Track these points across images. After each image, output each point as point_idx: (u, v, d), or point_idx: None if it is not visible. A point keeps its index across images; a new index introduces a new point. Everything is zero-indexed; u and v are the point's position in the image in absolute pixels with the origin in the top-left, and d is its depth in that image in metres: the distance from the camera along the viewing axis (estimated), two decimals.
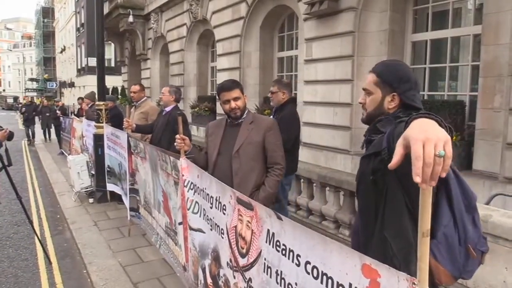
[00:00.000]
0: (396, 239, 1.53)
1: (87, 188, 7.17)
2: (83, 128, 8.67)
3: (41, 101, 19.33)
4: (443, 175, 0.99)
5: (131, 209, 5.06)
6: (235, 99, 3.03)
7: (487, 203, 4.05)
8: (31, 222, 4.88)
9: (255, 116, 3.20)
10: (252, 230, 1.90)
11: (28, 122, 16.58)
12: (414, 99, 1.76)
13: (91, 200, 6.96)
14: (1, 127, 4.63)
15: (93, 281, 4.13)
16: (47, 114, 16.00)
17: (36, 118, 17.17)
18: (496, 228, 2.97)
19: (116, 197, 6.40)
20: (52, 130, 16.07)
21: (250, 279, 1.92)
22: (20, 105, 18.02)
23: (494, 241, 2.96)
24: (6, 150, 4.60)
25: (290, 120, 4.37)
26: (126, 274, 4.23)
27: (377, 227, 1.62)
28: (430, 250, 1.52)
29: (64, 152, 11.99)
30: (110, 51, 29.57)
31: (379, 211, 1.62)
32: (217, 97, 3.18)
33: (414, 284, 0.99)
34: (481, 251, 1.59)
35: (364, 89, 1.88)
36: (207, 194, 2.56)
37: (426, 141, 1.01)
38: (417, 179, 0.97)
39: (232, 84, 3.09)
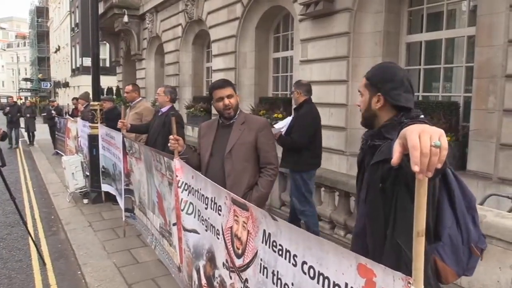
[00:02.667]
0: (409, 246, 1.56)
1: (82, 189, 7.14)
2: (78, 129, 8.63)
3: (34, 100, 18.76)
4: (439, 166, 1.01)
5: (126, 210, 5.05)
6: (229, 96, 3.03)
7: (481, 203, 4.07)
8: (25, 223, 4.85)
9: (247, 116, 3.20)
10: (248, 231, 1.89)
11: (12, 124, 15.52)
12: (398, 98, 1.78)
13: (85, 201, 6.93)
14: None
15: (88, 282, 4.12)
16: (28, 115, 15.76)
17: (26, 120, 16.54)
18: (490, 228, 2.99)
19: (111, 198, 6.37)
20: (37, 132, 15.90)
21: (246, 280, 1.92)
22: (5, 105, 16.45)
23: (488, 241, 2.96)
24: (0, 151, 4.58)
25: (305, 118, 4.61)
26: (121, 275, 4.22)
27: (388, 234, 1.64)
28: (437, 252, 1.61)
29: (60, 152, 11.95)
30: (105, 51, 29.45)
31: (390, 218, 1.64)
32: (210, 96, 3.19)
33: (410, 283, 1.00)
34: (481, 248, 1.69)
35: (359, 92, 1.96)
36: (202, 195, 2.55)
37: (421, 132, 1.04)
38: (415, 168, 0.99)
39: (224, 83, 3.11)
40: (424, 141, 1.01)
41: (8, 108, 15.69)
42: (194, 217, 2.72)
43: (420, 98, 6.58)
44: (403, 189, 1.55)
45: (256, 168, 3.09)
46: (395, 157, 1.10)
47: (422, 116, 1.78)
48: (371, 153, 1.73)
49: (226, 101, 3.02)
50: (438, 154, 1.01)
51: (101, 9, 15.24)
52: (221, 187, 2.33)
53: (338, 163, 7.17)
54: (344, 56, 6.98)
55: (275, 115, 8.71)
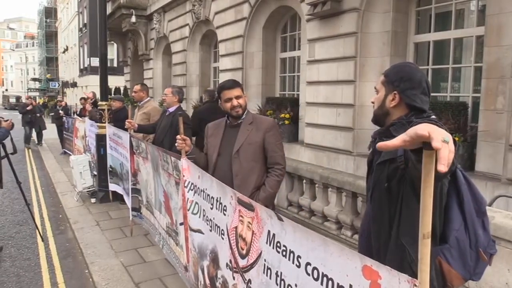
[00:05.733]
0: (414, 246, 1.54)
1: (89, 188, 7.18)
2: (86, 128, 8.69)
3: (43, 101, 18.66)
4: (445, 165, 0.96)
5: (133, 209, 5.07)
6: (237, 97, 3.04)
7: (490, 204, 4.04)
8: (28, 206, 5.02)
9: (255, 116, 3.21)
10: (253, 231, 1.89)
11: (31, 124, 15.41)
12: (414, 98, 1.76)
13: (93, 200, 6.97)
14: (2, 117, 4.92)
15: (95, 281, 4.14)
16: (37, 114, 15.80)
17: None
18: (498, 229, 2.97)
19: (119, 197, 6.40)
20: (46, 131, 15.91)
21: (249, 280, 1.92)
22: (25, 105, 15.95)
23: (497, 243, 2.95)
24: (11, 139, 4.98)
25: None
26: (128, 274, 4.24)
27: (393, 234, 1.63)
28: (443, 255, 1.58)
29: (68, 152, 12.03)
30: (112, 51, 29.61)
31: (394, 218, 1.62)
32: (219, 97, 3.19)
33: (415, 286, 0.99)
34: (490, 254, 1.65)
35: (374, 89, 1.95)
36: (208, 195, 2.56)
37: (430, 130, 1.00)
38: (437, 144, 0.93)
39: (233, 83, 3.11)
40: (435, 136, 0.97)
41: (26, 108, 15.42)
42: (199, 217, 2.73)
43: None
44: (409, 188, 1.53)
45: (263, 168, 3.09)
46: (393, 143, 1.01)
47: (434, 116, 1.76)
48: (379, 152, 1.73)
49: (235, 102, 3.03)
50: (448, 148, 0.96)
51: (108, 10, 15.31)
52: (227, 186, 2.33)
53: (345, 163, 7.14)
54: (352, 56, 6.96)
55: (282, 115, 8.71)
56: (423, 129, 0.98)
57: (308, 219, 5.46)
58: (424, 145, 0.99)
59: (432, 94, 6.81)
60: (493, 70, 5.18)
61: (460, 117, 5.61)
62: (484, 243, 1.63)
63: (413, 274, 1.03)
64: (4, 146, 4.78)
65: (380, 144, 1.01)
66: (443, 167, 0.91)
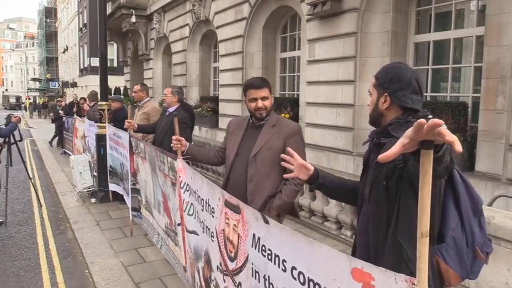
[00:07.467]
0: (410, 244, 1.54)
1: (89, 188, 7.18)
2: (85, 128, 8.68)
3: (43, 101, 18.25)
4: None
5: (133, 209, 5.07)
6: (263, 98, 2.86)
7: (490, 204, 4.04)
8: (31, 180, 5.94)
9: (280, 119, 3.00)
10: (239, 234, 1.86)
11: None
12: (405, 100, 1.75)
13: (93, 200, 6.97)
14: (12, 114, 6.54)
15: (95, 281, 4.14)
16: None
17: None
18: (498, 229, 2.97)
19: (118, 197, 6.40)
20: (46, 131, 15.45)
21: (240, 283, 1.90)
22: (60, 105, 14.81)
23: (497, 243, 2.95)
24: (18, 129, 6.24)
25: None
26: (128, 274, 4.24)
27: (390, 232, 1.63)
28: (440, 254, 1.59)
29: (68, 152, 12.02)
30: (112, 51, 29.58)
31: (392, 217, 1.63)
32: (244, 94, 3.02)
33: (414, 284, 0.98)
34: (486, 252, 1.66)
35: (368, 92, 1.96)
36: (199, 196, 2.53)
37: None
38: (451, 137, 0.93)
39: (261, 83, 2.91)
40: (445, 131, 0.95)
41: (63, 110, 14.26)
42: (194, 218, 2.70)
43: (428, 98, 6.54)
44: (407, 188, 1.54)
45: (280, 176, 2.87)
46: (393, 152, 1.01)
47: (431, 116, 1.76)
48: (377, 151, 1.73)
49: (260, 103, 2.85)
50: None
51: (108, 10, 15.31)
52: (241, 190, 2.28)
53: (345, 163, 7.14)
54: (352, 56, 6.96)
55: (282, 115, 8.69)
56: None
57: (308, 219, 5.46)
58: (422, 145, 0.99)
59: (432, 94, 6.83)
60: (493, 70, 5.18)
61: (460, 117, 5.61)
62: (481, 242, 1.64)
63: (410, 272, 1.02)
64: (13, 135, 6.22)
65: (381, 157, 1.02)
66: (460, 148, 0.92)
